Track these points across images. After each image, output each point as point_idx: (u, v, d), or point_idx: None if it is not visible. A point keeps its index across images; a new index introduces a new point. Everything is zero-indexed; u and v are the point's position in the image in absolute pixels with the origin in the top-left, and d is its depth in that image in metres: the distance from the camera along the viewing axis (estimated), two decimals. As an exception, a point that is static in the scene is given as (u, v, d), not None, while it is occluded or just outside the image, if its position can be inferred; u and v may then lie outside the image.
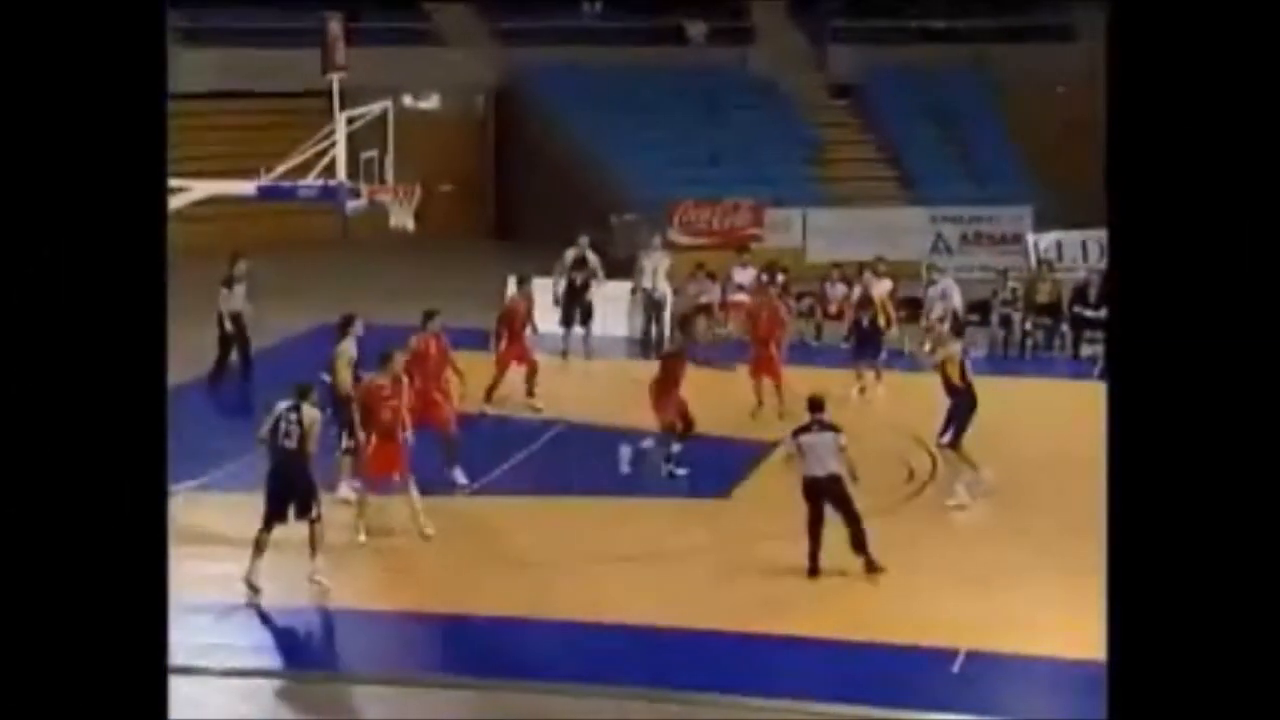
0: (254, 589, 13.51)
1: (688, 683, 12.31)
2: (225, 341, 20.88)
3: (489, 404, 19.70)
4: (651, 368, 18.89)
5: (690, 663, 12.73)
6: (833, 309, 24.71)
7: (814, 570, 14.14)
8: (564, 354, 22.23)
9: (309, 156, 16.95)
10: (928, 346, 23.66)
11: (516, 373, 20.12)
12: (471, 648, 13.30)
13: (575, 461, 18.41)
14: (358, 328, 16.54)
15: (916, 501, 16.34)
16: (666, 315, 24.40)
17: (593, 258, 23.30)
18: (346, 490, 15.66)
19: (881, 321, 20.99)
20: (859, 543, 14.13)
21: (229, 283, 20.87)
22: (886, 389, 21.05)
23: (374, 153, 17.22)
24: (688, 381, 17.70)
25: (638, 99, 33.20)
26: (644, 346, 24.01)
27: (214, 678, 12.18)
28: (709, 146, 32.65)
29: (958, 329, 18.07)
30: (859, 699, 12.00)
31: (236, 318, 20.89)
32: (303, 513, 13.63)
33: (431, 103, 18.50)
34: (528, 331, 20.58)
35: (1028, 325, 23.98)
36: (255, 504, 13.94)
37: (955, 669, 12.41)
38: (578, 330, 23.21)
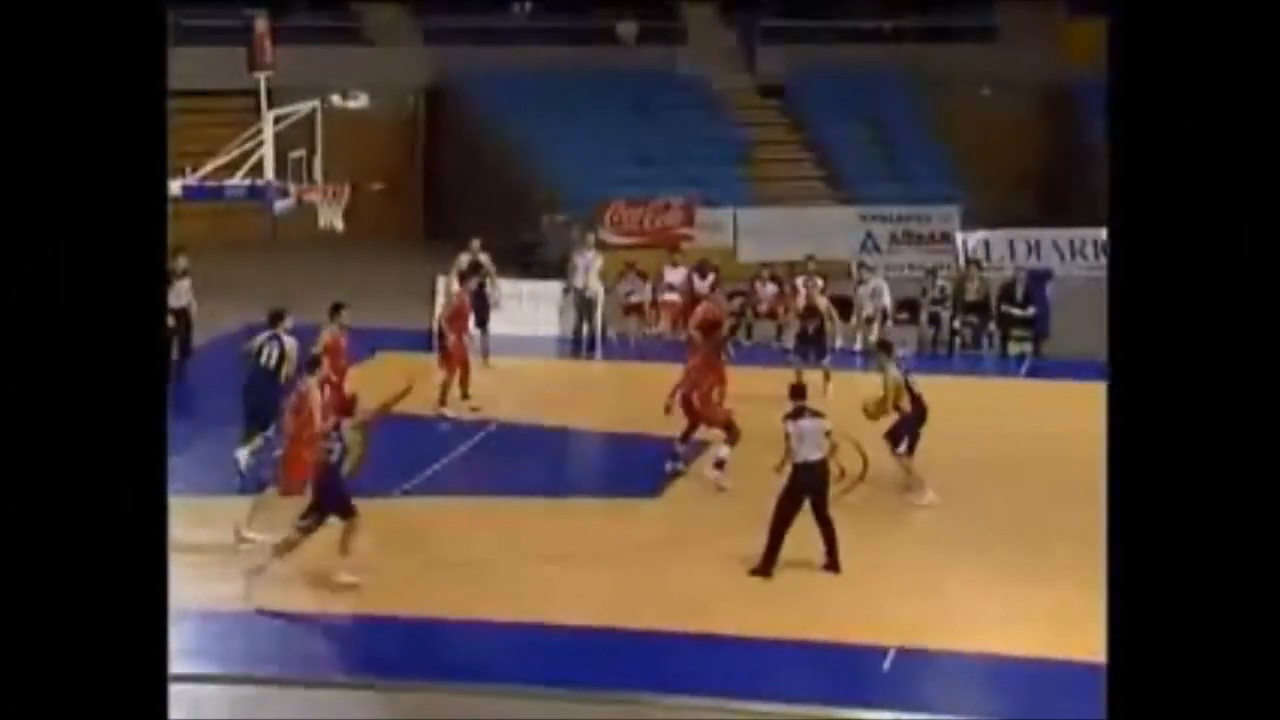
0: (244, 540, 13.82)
1: (618, 683, 12.32)
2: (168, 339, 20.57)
3: (445, 406, 19.59)
4: (582, 366, 18.90)
5: (620, 663, 12.75)
6: (763, 308, 24.79)
7: (768, 570, 14.15)
8: (485, 355, 22.14)
9: (236, 156, 16.83)
10: (862, 343, 23.86)
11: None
12: (405, 650, 13.24)
13: (507, 462, 18.37)
14: (288, 323, 16.55)
15: (845, 500, 16.39)
16: (599, 314, 24.43)
17: (485, 259, 23.17)
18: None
19: (828, 328, 21.01)
20: (829, 530, 14.27)
21: (168, 278, 20.60)
22: (813, 388, 21.10)
23: (302, 152, 17.11)
24: (629, 380, 17.76)
25: (568, 99, 33.17)
26: (575, 346, 24.00)
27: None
28: (639, 146, 32.68)
29: (886, 347, 18.21)
30: (790, 697, 12.03)
31: (181, 314, 20.60)
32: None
33: (360, 102, 18.36)
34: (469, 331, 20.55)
35: (956, 323, 24.16)
36: (194, 505, 13.82)
37: (885, 667, 12.48)
38: (477, 331, 23.07)
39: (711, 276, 24.95)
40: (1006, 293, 24.16)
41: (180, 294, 20.59)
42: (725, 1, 35.92)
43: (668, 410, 17.05)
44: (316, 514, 13.80)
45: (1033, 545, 15.15)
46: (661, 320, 24.73)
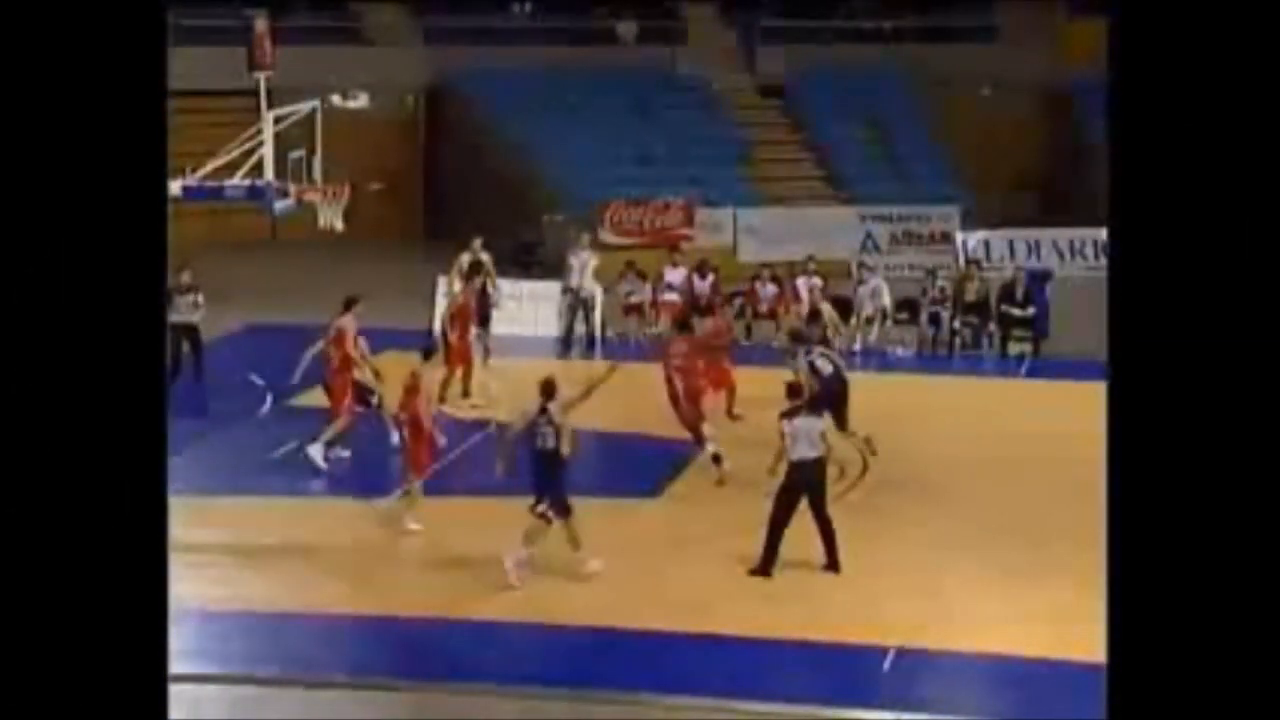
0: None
1: (618, 683, 12.32)
2: (174, 359, 20.08)
3: (444, 404, 19.63)
4: (581, 367, 18.91)
5: (620, 663, 12.74)
6: (763, 308, 24.81)
7: (767, 569, 14.16)
8: (486, 354, 22.16)
9: (236, 156, 16.83)
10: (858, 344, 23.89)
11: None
12: (405, 650, 13.25)
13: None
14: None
15: (846, 500, 16.39)
16: (596, 314, 24.44)
17: (486, 259, 23.20)
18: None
19: (830, 332, 20.96)
20: (828, 529, 14.28)
21: (170, 294, 20.45)
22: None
23: (302, 152, 17.12)
24: (629, 380, 17.82)
25: (568, 99, 33.19)
26: (565, 345, 24.00)
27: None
28: (639, 146, 32.70)
29: (796, 336, 18.24)
30: (790, 697, 12.03)
31: (189, 330, 20.33)
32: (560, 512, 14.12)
33: (360, 102, 18.37)
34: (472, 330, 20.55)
35: (956, 323, 24.16)
36: (194, 505, 13.82)
37: (885, 667, 12.48)
38: (478, 330, 23.08)
39: (711, 276, 24.97)
40: (1006, 293, 24.17)
41: (182, 309, 20.20)
42: (725, 1, 35.94)
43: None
44: (552, 502, 14.13)
45: (1033, 545, 15.15)
46: (661, 320, 24.73)
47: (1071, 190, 34.44)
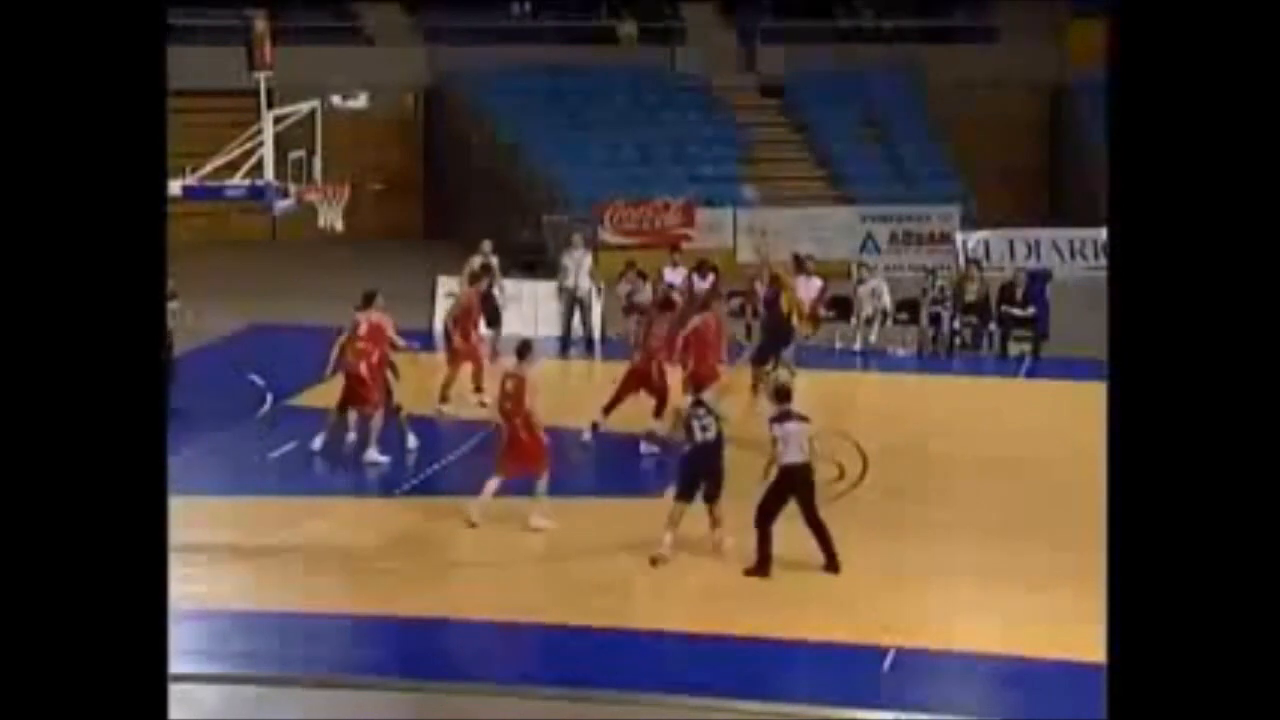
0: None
1: (618, 683, 12.31)
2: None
3: (445, 404, 19.65)
4: (581, 367, 18.91)
5: (620, 663, 12.74)
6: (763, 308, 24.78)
7: (765, 569, 14.17)
8: (493, 355, 22.17)
9: (236, 156, 16.79)
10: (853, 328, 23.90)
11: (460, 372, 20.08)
12: (405, 650, 13.25)
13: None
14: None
15: (847, 499, 16.39)
16: (595, 313, 24.43)
17: (495, 262, 23.25)
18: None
19: (794, 319, 20.87)
20: (821, 530, 14.29)
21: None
22: (813, 387, 21.11)
23: (302, 152, 17.09)
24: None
25: (568, 99, 33.20)
26: (563, 345, 23.99)
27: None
28: (639, 146, 32.70)
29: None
30: (790, 697, 12.03)
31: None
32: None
33: (360, 102, 18.34)
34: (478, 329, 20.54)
35: (956, 323, 24.16)
36: (194, 505, 13.81)
37: (885, 667, 12.48)
38: (487, 332, 23.09)
39: (711, 276, 24.95)
40: (1006, 293, 24.16)
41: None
42: (725, 1, 35.94)
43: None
44: (707, 486, 14.55)
45: (1033, 545, 15.14)
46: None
47: (1071, 190, 34.45)
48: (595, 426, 18.27)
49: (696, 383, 17.63)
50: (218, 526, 15.34)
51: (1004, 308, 24.05)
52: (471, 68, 33.35)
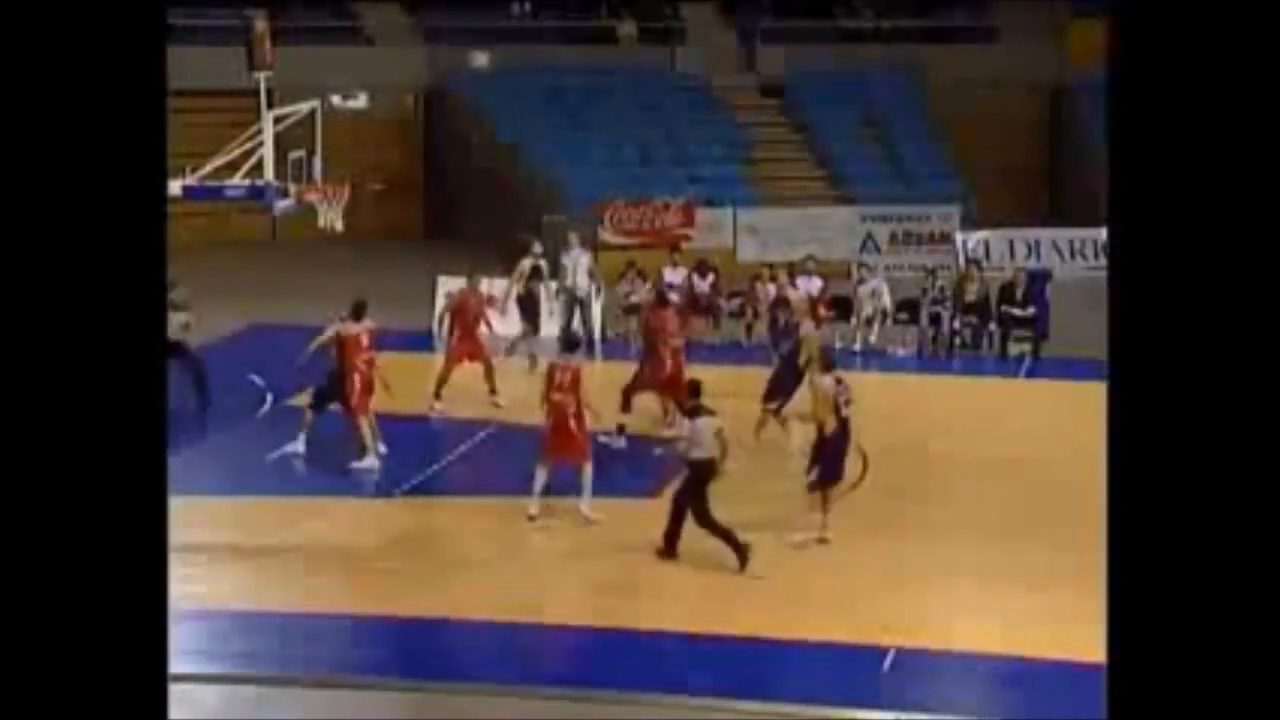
0: None
1: (618, 683, 12.32)
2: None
3: (439, 401, 19.66)
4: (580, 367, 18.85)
5: (620, 663, 12.75)
6: (763, 309, 24.79)
7: (672, 551, 14.37)
8: (509, 353, 22.14)
9: (236, 156, 16.79)
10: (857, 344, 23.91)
11: (461, 371, 20.05)
12: (405, 650, 13.25)
13: (507, 462, 18.35)
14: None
15: (847, 499, 16.37)
16: (595, 312, 24.43)
17: (543, 265, 23.43)
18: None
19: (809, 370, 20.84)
20: (679, 521, 14.48)
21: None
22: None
23: (302, 152, 17.09)
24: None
25: (568, 99, 33.20)
26: (563, 345, 23.92)
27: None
28: (639, 146, 32.70)
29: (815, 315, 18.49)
30: (790, 697, 12.03)
31: (173, 348, 20.03)
32: None
33: (360, 102, 18.35)
34: (481, 329, 20.51)
35: (956, 323, 24.16)
36: (194, 505, 13.81)
37: (885, 667, 12.48)
38: (530, 334, 23.04)
39: (711, 276, 24.97)
40: (1006, 293, 24.17)
41: (172, 328, 18.91)
42: (725, 1, 35.94)
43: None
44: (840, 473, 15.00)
45: (1033, 545, 15.14)
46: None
47: (1071, 190, 34.45)
48: (621, 429, 18.19)
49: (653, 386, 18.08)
50: (218, 526, 15.34)
51: (1004, 308, 24.05)
52: (472, 68, 33.36)
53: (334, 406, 17.72)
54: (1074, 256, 30.03)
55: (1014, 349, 23.92)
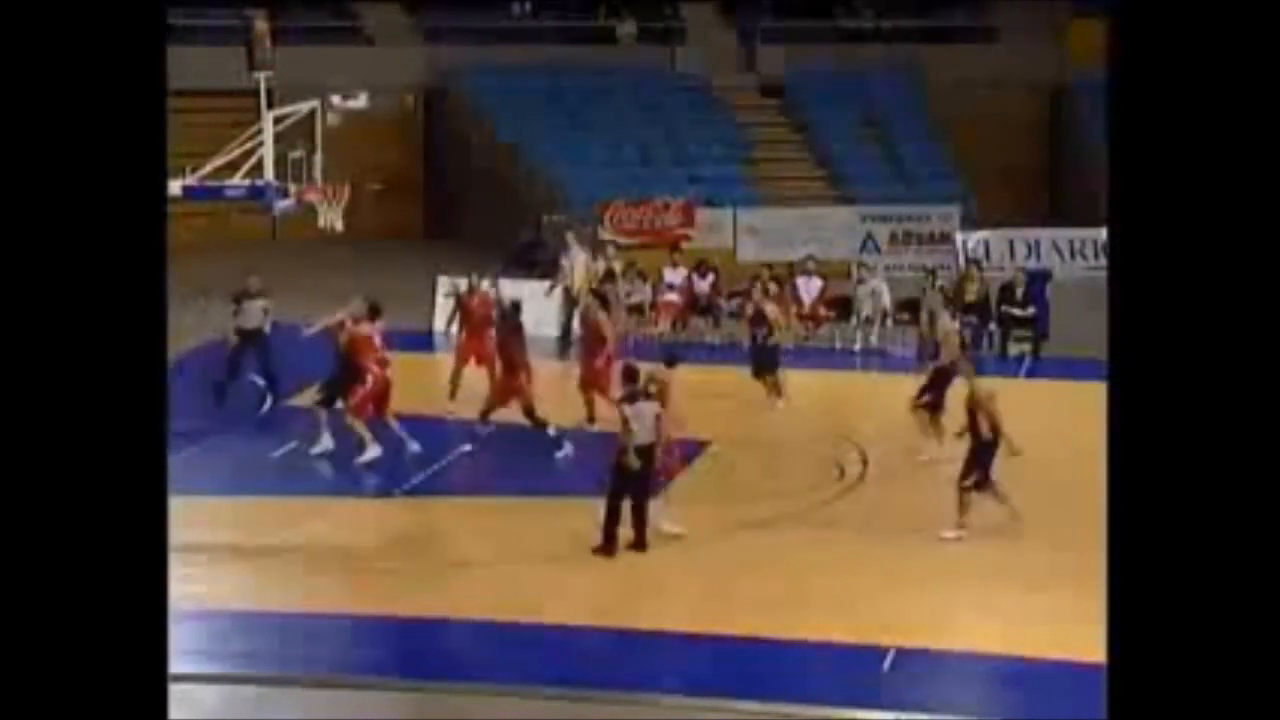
0: None
1: (618, 683, 12.32)
2: (234, 362, 20.14)
3: (453, 400, 19.67)
4: (573, 366, 18.90)
5: (620, 663, 12.75)
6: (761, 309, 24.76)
7: (610, 547, 14.39)
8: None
9: (236, 156, 16.78)
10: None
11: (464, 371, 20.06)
12: (405, 650, 13.25)
13: (507, 462, 18.37)
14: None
15: (847, 499, 16.39)
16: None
17: (617, 268, 23.51)
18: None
19: (774, 339, 20.71)
20: (642, 513, 14.51)
21: (239, 299, 20.39)
22: (813, 387, 21.10)
23: (302, 152, 17.08)
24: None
25: (568, 99, 33.19)
26: (566, 345, 23.98)
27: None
28: (639, 146, 32.69)
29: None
30: (791, 697, 12.03)
31: (254, 335, 20.22)
32: None
33: (360, 102, 18.35)
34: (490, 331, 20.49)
35: (956, 324, 24.11)
36: (194, 505, 13.82)
37: (885, 667, 12.48)
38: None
39: (711, 276, 24.97)
40: (1006, 293, 24.15)
41: (250, 316, 20.19)
42: (725, 1, 35.93)
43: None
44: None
45: (1033, 545, 15.14)
46: (661, 320, 24.74)
47: (1071, 190, 34.43)
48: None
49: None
50: (218, 526, 15.34)
51: (1004, 308, 24.03)
52: (472, 67, 33.34)
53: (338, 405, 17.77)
54: (1074, 256, 30.01)
55: (1014, 349, 23.90)
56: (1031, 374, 23.15)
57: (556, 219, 29.29)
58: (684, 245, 27.76)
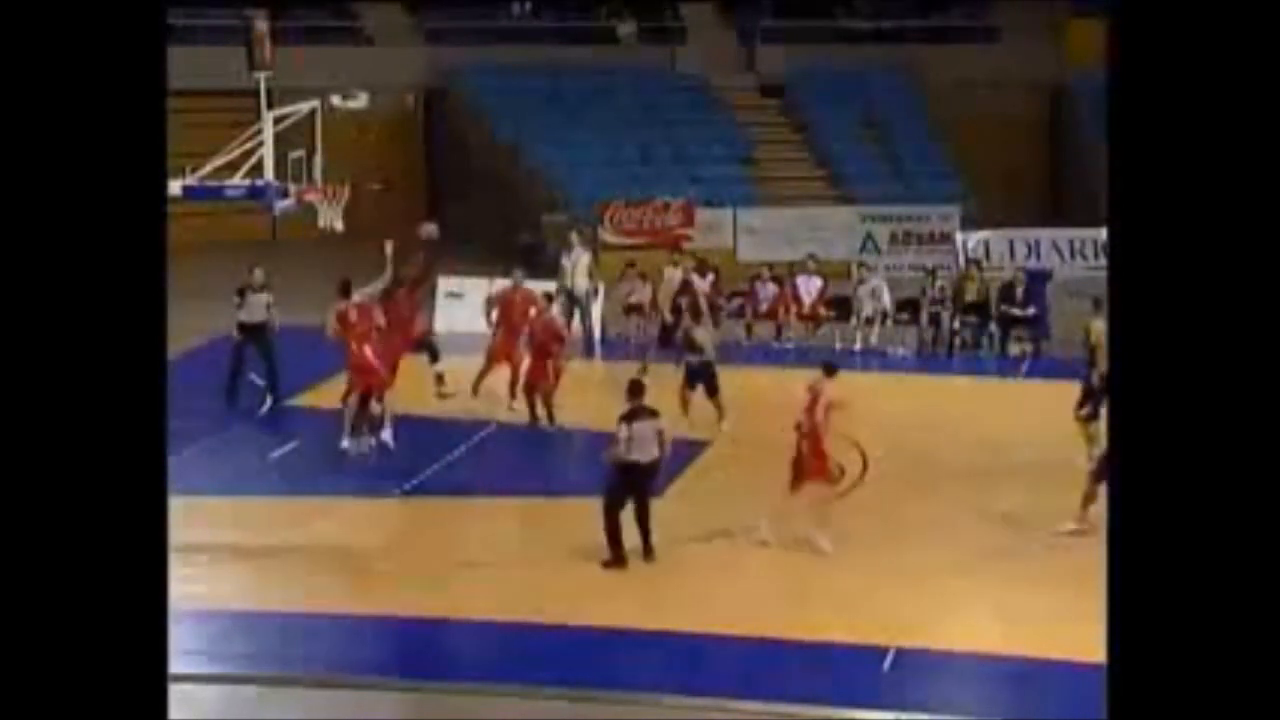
0: None
1: (619, 683, 12.32)
2: (238, 358, 20.18)
3: (475, 396, 19.68)
4: (580, 367, 18.86)
5: (621, 663, 12.75)
6: (763, 309, 24.80)
7: (619, 559, 14.27)
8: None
9: (236, 156, 16.78)
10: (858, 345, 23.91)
11: (465, 371, 20.05)
12: (405, 650, 13.26)
13: (507, 462, 18.38)
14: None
15: (847, 499, 16.38)
16: (595, 312, 24.42)
17: (696, 280, 23.34)
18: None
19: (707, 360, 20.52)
20: (646, 524, 14.41)
21: (242, 292, 20.44)
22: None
23: (302, 152, 17.08)
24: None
25: (568, 99, 33.19)
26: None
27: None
28: (639, 146, 32.69)
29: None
30: (791, 697, 12.03)
31: (258, 329, 20.30)
32: None
33: (360, 102, 18.35)
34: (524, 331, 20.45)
35: (956, 324, 24.15)
36: (194, 505, 13.82)
37: (885, 667, 12.48)
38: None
39: (711, 276, 24.96)
40: (1006, 293, 24.15)
41: (254, 309, 20.26)
42: (725, 1, 35.93)
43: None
44: None
45: (1033, 545, 15.14)
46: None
47: (1071, 190, 34.43)
48: None
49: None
50: (218, 526, 15.34)
51: (1004, 308, 24.04)
52: (472, 67, 33.35)
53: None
54: (1074, 256, 30.01)
55: (1014, 349, 23.91)
56: (1031, 374, 23.15)
57: (557, 219, 29.29)
58: (684, 245, 27.76)
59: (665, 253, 26.32)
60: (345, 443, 17.60)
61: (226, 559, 14.68)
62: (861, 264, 26.47)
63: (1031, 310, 24.02)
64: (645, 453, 14.27)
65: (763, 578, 14.38)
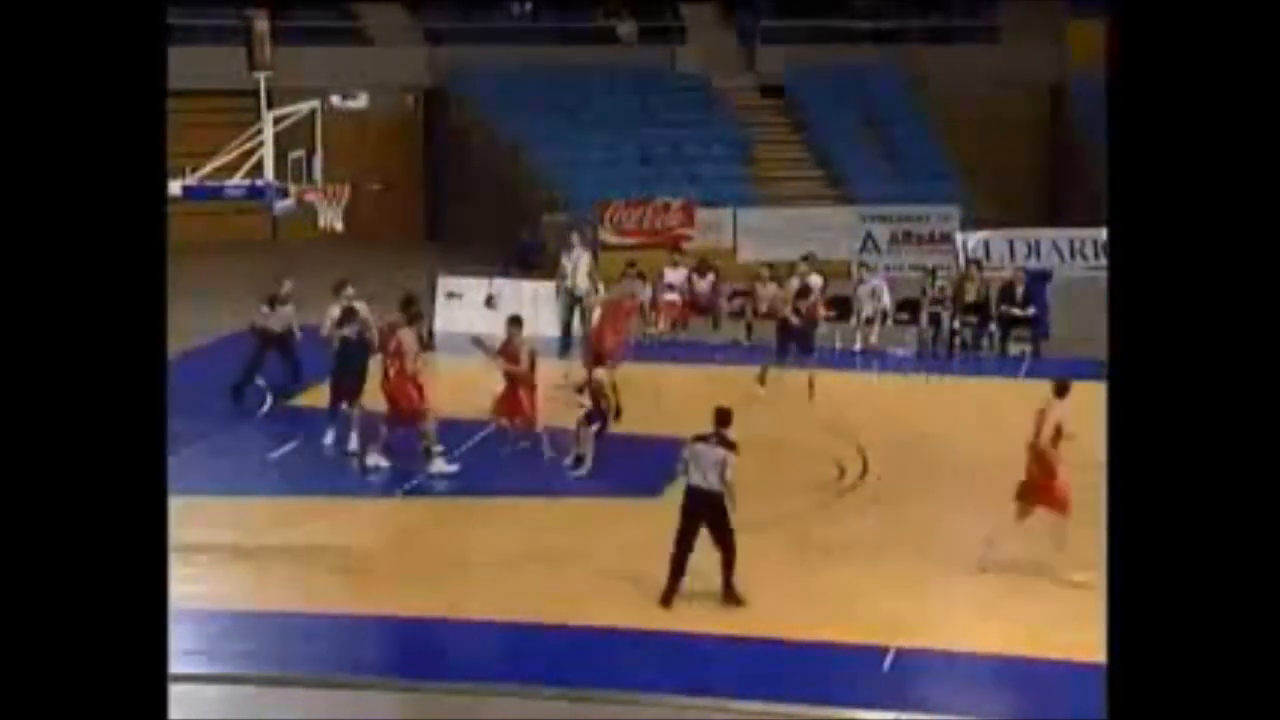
0: None
1: (619, 683, 12.32)
2: (257, 360, 20.24)
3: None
4: (574, 366, 18.84)
5: (621, 663, 12.75)
6: (764, 308, 24.79)
7: (666, 597, 13.57)
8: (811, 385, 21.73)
9: (235, 156, 16.79)
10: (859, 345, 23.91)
11: (465, 372, 20.03)
12: (405, 650, 13.26)
13: (507, 461, 18.37)
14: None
15: (847, 499, 16.39)
16: (596, 312, 24.41)
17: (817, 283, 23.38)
18: None
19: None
20: (729, 567, 13.65)
21: (271, 302, 20.42)
22: (820, 387, 21.11)
23: (302, 152, 17.09)
24: (628, 380, 17.84)
25: (568, 99, 33.19)
26: (567, 345, 23.96)
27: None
28: (639, 146, 32.70)
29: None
30: (791, 697, 12.03)
31: (281, 338, 20.32)
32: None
33: (360, 102, 18.35)
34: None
35: (956, 324, 24.16)
36: (194, 505, 13.81)
37: (885, 667, 12.48)
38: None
39: (711, 276, 24.97)
40: (1006, 293, 24.16)
41: (279, 319, 20.38)
42: (725, 1, 35.93)
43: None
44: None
45: (1032, 545, 15.13)
46: (661, 320, 24.76)
47: (1071, 190, 34.44)
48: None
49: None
50: (218, 526, 15.35)
51: (1004, 308, 24.04)
52: (472, 68, 33.34)
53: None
54: (1074, 256, 30.01)
55: (1014, 349, 23.91)
56: (1031, 374, 23.13)
57: (557, 219, 29.29)
58: (684, 245, 27.75)
59: (665, 253, 26.35)
60: (371, 459, 17.53)
61: (226, 559, 14.68)
62: (861, 264, 26.48)
63: (1031, 310, 24.03)
64: (704, 479, 13.50)
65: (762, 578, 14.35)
